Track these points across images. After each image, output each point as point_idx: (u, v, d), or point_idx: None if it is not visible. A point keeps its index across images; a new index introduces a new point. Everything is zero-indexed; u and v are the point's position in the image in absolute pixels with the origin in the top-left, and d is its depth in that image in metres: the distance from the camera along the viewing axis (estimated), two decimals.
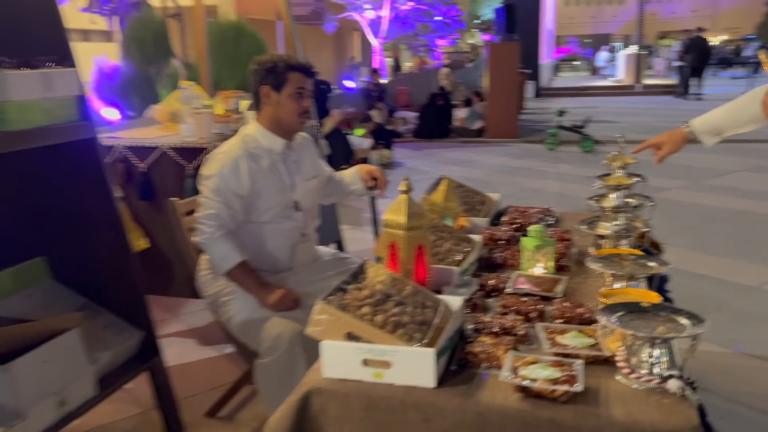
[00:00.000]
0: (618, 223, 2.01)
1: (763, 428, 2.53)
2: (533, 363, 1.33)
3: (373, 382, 1.35)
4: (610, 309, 1.37)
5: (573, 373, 1.29)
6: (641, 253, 1.81)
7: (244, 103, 3.40)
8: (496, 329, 1.54)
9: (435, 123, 10.56)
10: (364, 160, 7.35)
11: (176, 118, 3.36)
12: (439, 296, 1.63)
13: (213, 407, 2.65)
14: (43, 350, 1.91)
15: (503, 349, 1.41)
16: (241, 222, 2.25)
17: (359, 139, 7.99)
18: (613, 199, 2.00)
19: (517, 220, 2.41)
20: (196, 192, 3.03)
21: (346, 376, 1.36)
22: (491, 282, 1.90)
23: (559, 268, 2.04)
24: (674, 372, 1.26)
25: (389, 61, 19.44)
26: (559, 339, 1.46)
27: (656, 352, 1.28)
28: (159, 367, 2.41)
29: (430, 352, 1.31)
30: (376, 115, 10.04)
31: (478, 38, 24.41)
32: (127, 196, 3.17)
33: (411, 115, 11.07)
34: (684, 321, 1.32)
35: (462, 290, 1.80)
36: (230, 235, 2.19)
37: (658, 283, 1.80)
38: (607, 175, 2.19)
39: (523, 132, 10.73)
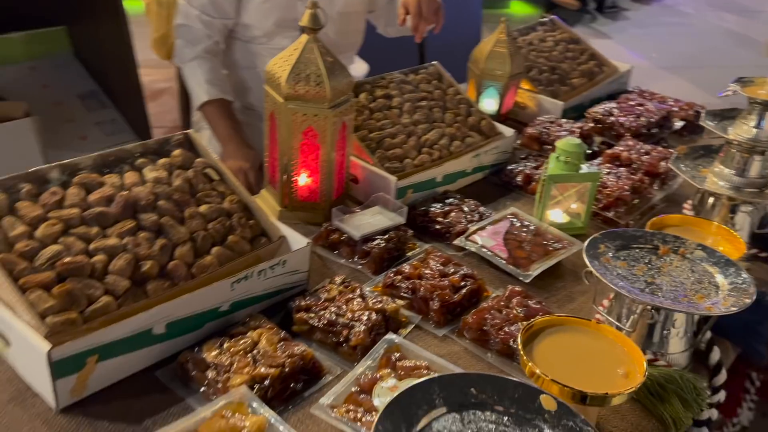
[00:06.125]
0: (748, 176, 1.03)
1: None
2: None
3: None
4: None
5: None
6: (742, 247, 0.88)
7: None
8: (319, 321, 0.83)
9: None
10: None
11: None
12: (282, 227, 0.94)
13: None
14: None
15: (243, 374, 0.72)
16: (231, 35, 1.63)
17: None
18: (749, 128, 1.00)
19: (611, 117, 1.45)
20: None
21: None
22: (446, 218, 1.11)
23: (601, 220, 1.16)
24: None
25: None
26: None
27: None
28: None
29: (39, 350, 0.67)
30: None
31: None
32: None
33: None
34: None
35: (372, 219, 1.06)
36: (209, 56, 1.59)
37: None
38: (748, 82, 1.09)
39: None
